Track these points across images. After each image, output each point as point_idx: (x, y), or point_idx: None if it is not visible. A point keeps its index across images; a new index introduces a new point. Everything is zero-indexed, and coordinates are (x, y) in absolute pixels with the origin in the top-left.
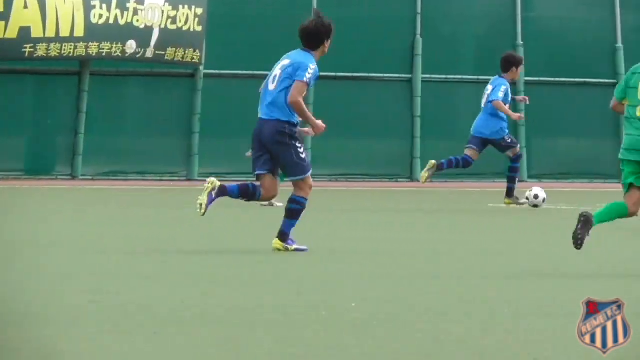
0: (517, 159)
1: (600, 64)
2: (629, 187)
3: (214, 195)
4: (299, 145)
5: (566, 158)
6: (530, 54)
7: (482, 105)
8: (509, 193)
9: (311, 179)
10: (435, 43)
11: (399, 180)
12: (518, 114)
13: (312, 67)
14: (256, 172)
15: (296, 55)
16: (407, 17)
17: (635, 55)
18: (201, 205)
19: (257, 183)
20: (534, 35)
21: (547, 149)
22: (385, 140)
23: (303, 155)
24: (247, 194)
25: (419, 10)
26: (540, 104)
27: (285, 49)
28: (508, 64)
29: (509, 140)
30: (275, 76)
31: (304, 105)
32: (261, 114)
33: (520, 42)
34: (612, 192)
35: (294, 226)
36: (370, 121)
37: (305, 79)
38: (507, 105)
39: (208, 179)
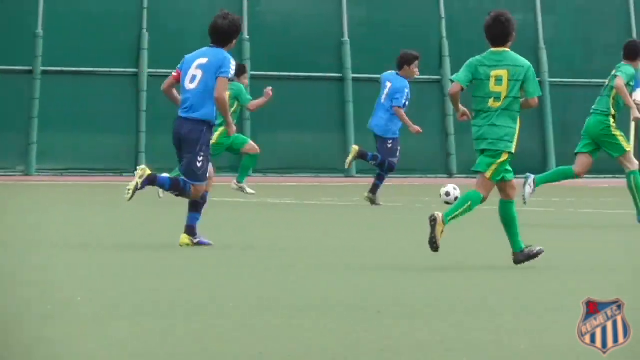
0: (385, 167)
1: (326, 58)
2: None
3: (143, 184)
4: (203, 154)
5: (290, 152)
6: (255, 48)
7: (382, 102)
8: (374, 189)
9: (204, 187)
10: (161, 37)
11: (124, 174)
12: (417, 128)
13: (233, 62)
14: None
15: (212, 52)
16: (133, 11)
17: (361, 49)
18: (128, 190)
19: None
20: (259, 30)
21: (271, 143)
22: (111, 134)
23: (200, 165)
24: (178, 187)
25: (145, 5)
26: None
27: (5, 47)
28: (400, 62)
29: (389, 146)
30: (194, 76)
31: (227, 102)
32: (181, 112)
33: (246, 36)
34: (339, 186)
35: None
36: (96, 116)
37: (229, 75)
38: (405, 105)
39: (139, 167)
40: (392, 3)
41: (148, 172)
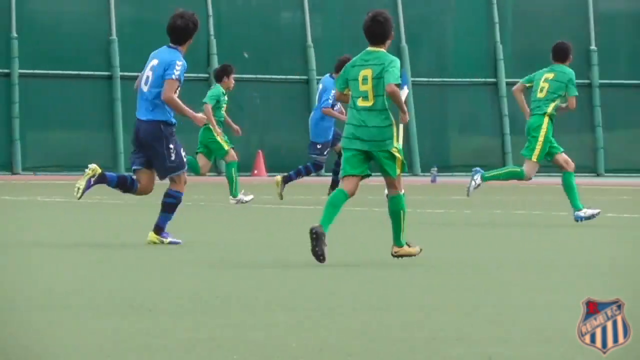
0: (316, 167)
1: (94, 56)
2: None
3: (92, 182)
4: (172, 147)
5: (61, 151)
6: (24, 46)
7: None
8: (286, 180)
9: (186, 175)
10: None
11: None
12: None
13: (180, 64)
14: (133, 168)
15: (163, 54)
16: None
17: (130, 47)
18: (78, 189)
19: (135, 177)
20: (29, 28)
21: (42, 141)
22: None
23: (173, 157)
24: (125, 185)
25: None
26: (35, 98)
27: None
28: (338, 66)
29: (319, 148)
30: (147, 77)
31: (178, 101)
32: (138, 114)
33: (14, 34)
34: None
35: (169, 220)
36: None
37: (174, 76)
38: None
39: (90, 166)
40: (161, 2)
41: (98, 171)
